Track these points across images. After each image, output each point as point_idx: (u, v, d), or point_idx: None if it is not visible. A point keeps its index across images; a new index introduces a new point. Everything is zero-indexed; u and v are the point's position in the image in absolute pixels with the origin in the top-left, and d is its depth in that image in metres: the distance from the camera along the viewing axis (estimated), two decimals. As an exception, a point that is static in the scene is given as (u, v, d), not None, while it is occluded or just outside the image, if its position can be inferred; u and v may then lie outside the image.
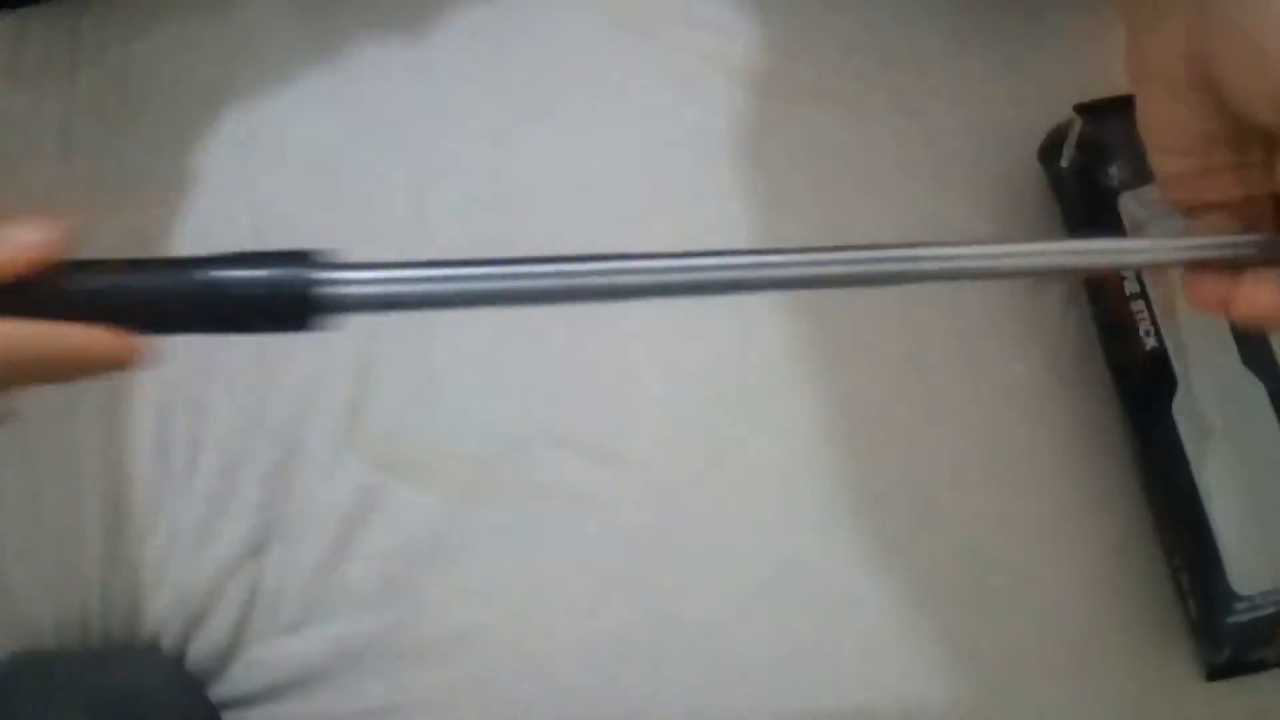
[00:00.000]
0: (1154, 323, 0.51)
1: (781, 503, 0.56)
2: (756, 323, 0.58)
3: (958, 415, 0.57)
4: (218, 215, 0.59)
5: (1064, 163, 0.55)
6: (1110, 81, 0.57)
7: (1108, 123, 0.54)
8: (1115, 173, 0.53)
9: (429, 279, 0.33)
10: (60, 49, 0.62)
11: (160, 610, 0.53)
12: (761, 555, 0.55)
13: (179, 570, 0.53)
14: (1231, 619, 0.48)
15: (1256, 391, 0.50)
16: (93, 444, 0.55)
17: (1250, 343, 0.51)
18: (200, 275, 0.31)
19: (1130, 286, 0.51)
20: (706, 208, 0.59)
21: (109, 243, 0.56)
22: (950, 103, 0.61)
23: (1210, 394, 0.51)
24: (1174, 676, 0.52)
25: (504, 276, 0.33)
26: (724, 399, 0.57)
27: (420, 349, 0.57)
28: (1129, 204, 0.52)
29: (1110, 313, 0.54)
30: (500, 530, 0.55)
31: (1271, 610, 0.48)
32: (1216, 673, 0.50)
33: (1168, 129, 0.41)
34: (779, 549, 0.55)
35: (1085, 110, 0.55)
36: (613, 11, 0.63)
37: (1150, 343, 0.51)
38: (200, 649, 0.53)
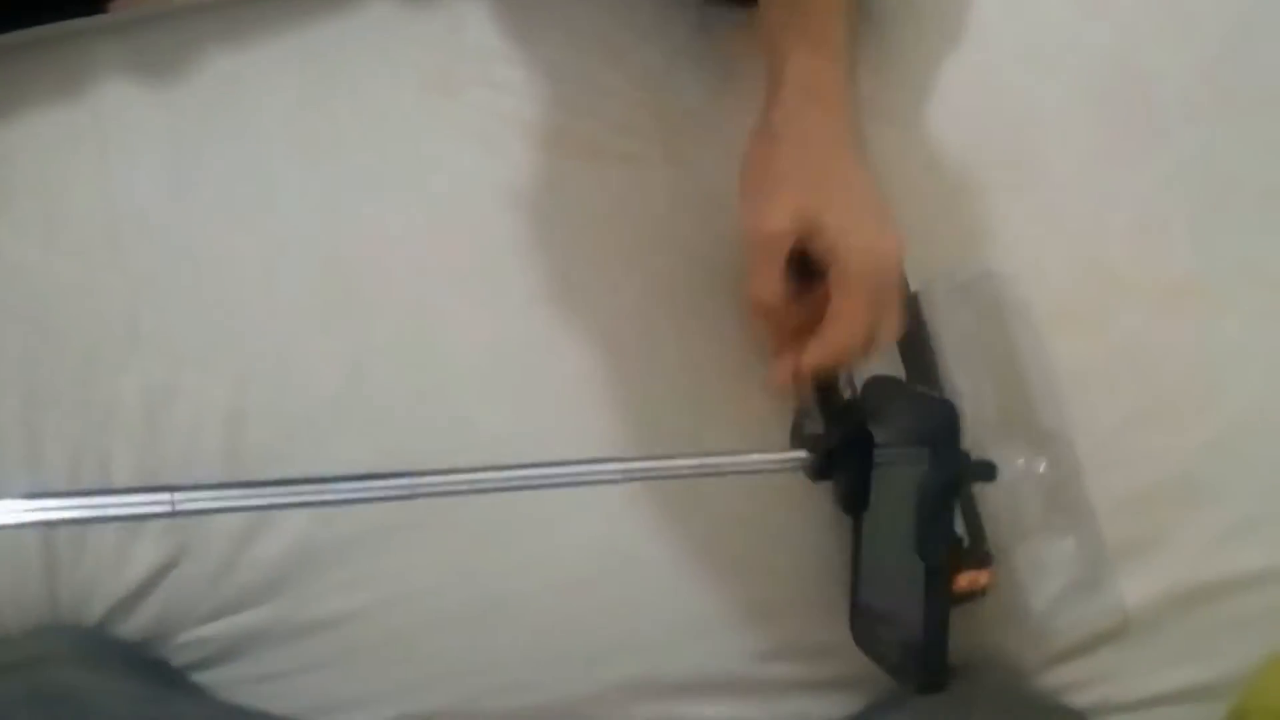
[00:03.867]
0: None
1: (581, 502, 0.70)
2: (551, 358, 0.71)
3: (724, 422, 0.72)
4: (92, 287, 0.69)
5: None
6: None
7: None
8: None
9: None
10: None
11: (95, 615, 0.68)
12: (574, 540, 0.71)
13: (106, 586, 0.68)
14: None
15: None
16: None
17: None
18: None
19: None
20: (512, 262, 0.71)
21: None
22: (715, 152, 0.72)
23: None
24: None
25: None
26: (524, 422, 0.71)
27: (278, 400, 0.69)
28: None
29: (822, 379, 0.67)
30: (359, 537, 0.70)
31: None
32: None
33: None
34: (588, 532, 0.71)
35: None
36: (421, 76, 0.72)
37: (848, 395, 0.65)
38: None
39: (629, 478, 0.59)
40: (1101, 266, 0.75)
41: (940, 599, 0.57)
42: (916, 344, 0.69)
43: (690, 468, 0.59)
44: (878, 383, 0.65)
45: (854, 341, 0.61)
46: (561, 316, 0.72)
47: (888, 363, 0.68)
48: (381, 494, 0.52)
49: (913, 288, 0.70)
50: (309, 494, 0.52)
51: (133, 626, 0.68)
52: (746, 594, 0.71)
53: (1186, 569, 0.73)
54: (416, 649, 0.70)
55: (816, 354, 0.62)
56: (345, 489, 0.51)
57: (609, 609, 0.71)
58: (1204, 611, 0.73)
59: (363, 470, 0.52)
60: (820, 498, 0.70)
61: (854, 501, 0.62)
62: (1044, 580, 0.68)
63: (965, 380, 0.71)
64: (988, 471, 0.58)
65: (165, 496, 0.48)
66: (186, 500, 0.49)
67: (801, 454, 0.62)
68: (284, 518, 0.68)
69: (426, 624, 0.70)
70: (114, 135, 0.70)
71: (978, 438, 0.72)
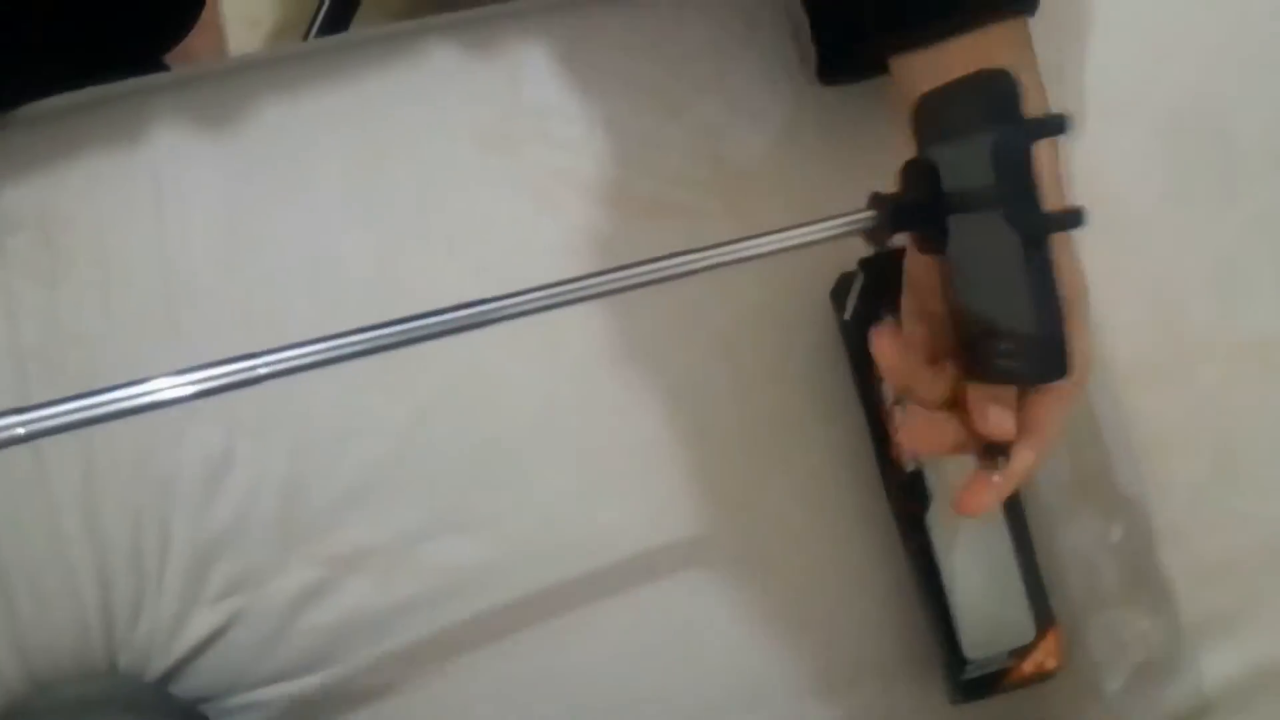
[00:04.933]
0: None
1: (640, 565, 0.70)
2: (611, 417, 0.70)
3: (782, 481, 0.70)
4: (150, 356, 0.68)
5: (847, 315, 0.65)
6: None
7: (885, 277, 0.62)
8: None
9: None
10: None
11: (152, 677, 0.68)
12: (626, 609, 0.70)
13: (162, 649, 0.68)
14: (963, 676, 0.64)
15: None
16: (80, 550, 0.68)
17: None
18: None
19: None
20: (569, 320, 0.68)
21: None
22: (777, 204, 0.70)
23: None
24: (929, 699, 0.69)
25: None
26: (583, 483, 0.70)
27: (335, 465, 0.68)
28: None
29: (883, 445, 0.66)
30: (413, 604, 0.69)
31: (994, 668, 0.64)
32: (958, 700, 0.66)
33: None
34: (639, 598, 0.70)
35: (867, 264, 0.64)
36: (478, 133, 0.70)
37: (910, 467, 0.64)
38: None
39: (699, 266, 0.56)
40: (1180, 320, 0.72)
41: (1046, 268, 0.49)
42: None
43: (755, 247, 0.56)
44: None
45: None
46: (620, 375, 0.70)
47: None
48: (456, 325, 0.54)
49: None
50: (393, 337, 0.53)
51: (187, 687, 0.68)
52: (809, 664, 0.70)
53: (1274, 645, 0.70)
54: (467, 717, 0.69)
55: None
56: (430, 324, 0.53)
57: (662, 680, 0.70)
58: (1294, 690, 0.71)
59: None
60: (888, 564, 0.69)
61: (936, 240, 0.54)
62: (1118, 658, 0.66)
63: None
64: (1058, 123, 0.49)
65: (248, 364, 0.48)
66: (270, 364, 0.49)
67: (869, 213, 0.54)
68: (339, 587, 0.68)
69: (480, 696, 0.69)
70: (171, 198, 0.69)
71: (1049, 502, 0.69)
